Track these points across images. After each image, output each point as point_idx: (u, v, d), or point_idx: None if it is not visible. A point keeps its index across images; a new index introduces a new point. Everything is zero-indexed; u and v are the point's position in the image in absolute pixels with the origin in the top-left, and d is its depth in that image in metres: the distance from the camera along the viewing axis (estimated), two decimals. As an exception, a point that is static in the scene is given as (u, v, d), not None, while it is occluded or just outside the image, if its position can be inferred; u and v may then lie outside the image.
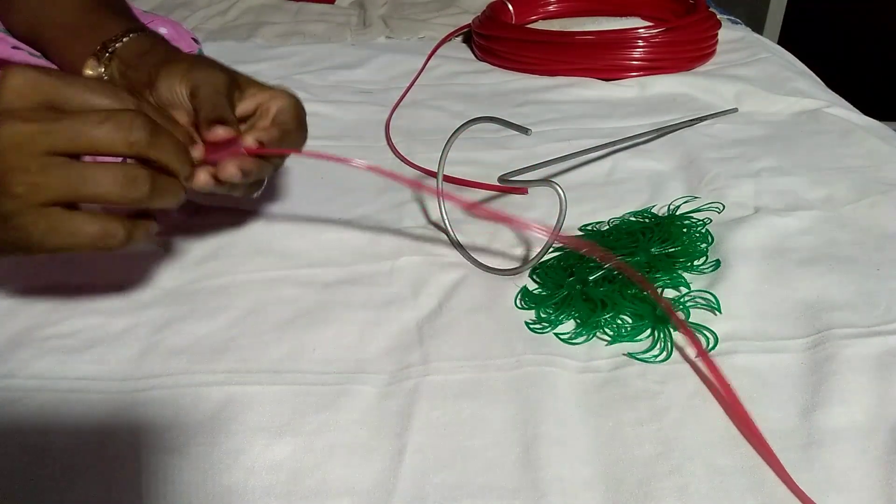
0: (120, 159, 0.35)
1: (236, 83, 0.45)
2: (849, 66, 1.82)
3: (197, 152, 0.40)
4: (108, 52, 0.47)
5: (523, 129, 0.44)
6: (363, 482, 0.34)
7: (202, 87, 0.42)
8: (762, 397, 0.37)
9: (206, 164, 0.41)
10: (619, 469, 0.34)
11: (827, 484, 0.33)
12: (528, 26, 0.92)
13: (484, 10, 0.90)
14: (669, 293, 0.45)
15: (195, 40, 0.63)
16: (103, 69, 0.47)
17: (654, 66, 0.78)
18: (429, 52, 0.87)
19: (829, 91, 0.77)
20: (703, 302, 0.44)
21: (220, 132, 0.40)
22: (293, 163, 0.62)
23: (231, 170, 0.40)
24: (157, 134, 0.34)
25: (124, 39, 0.48)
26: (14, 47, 0.52)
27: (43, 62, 0.53)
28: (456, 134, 0.49)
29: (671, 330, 0.41)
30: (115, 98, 0.35)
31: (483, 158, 0.63)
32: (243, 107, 0.45)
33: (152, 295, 0.47)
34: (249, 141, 0.41)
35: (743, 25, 0.96)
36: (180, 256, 0.50)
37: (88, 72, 0.47)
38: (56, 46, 0.52)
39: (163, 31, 0.61)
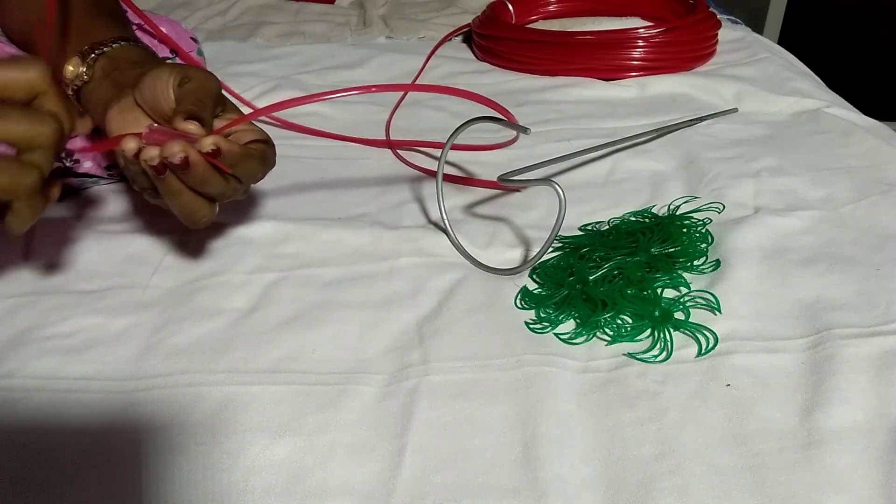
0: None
1: (223, 100, 0.43)
2: (849, 66, 1.82)
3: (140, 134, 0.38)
4: (94, 52, 0.47)
5: (523, 129, 0.44)
6: (363, 482, 0.34)
7: (193, 80, 0.40)
8: (762, 397, 0.37)
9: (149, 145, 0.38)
10: (619, 469, 0.34)
11: (827, 484, 0.33)
12: (528, 26, 0.92)
13: (484, 10, 0.90)
14: (669, 293, 0.45)
15: (194, 40, 0.63)
16: (85, 69, 0.47)
17: (653, 66, 0.78)
18: (429, 52, 0.87)
19: (829, 91, 0.77)
20: (703, 302, 0.44)
21: (192, 128, 0.37)
22: (293, 163, 0.62)
23: (175, 148, 0.36)
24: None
25: (114, 45, 0.47)
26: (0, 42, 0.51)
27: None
28: (456, 134, 0.49)
29: (671, 330, 0.41)
30: None
31: (483, 158, 0.63)
32: (219, 125, 0.42)
33: (152, 295, 0.47)
34: (208, 142, 0.37)
35: (743, 25, 0.96)
36: (180, 256, 0.50)
37: (69, 68, 0.47)
38: (45, 46, 0.51)
39: (162, 29, 0.61)
